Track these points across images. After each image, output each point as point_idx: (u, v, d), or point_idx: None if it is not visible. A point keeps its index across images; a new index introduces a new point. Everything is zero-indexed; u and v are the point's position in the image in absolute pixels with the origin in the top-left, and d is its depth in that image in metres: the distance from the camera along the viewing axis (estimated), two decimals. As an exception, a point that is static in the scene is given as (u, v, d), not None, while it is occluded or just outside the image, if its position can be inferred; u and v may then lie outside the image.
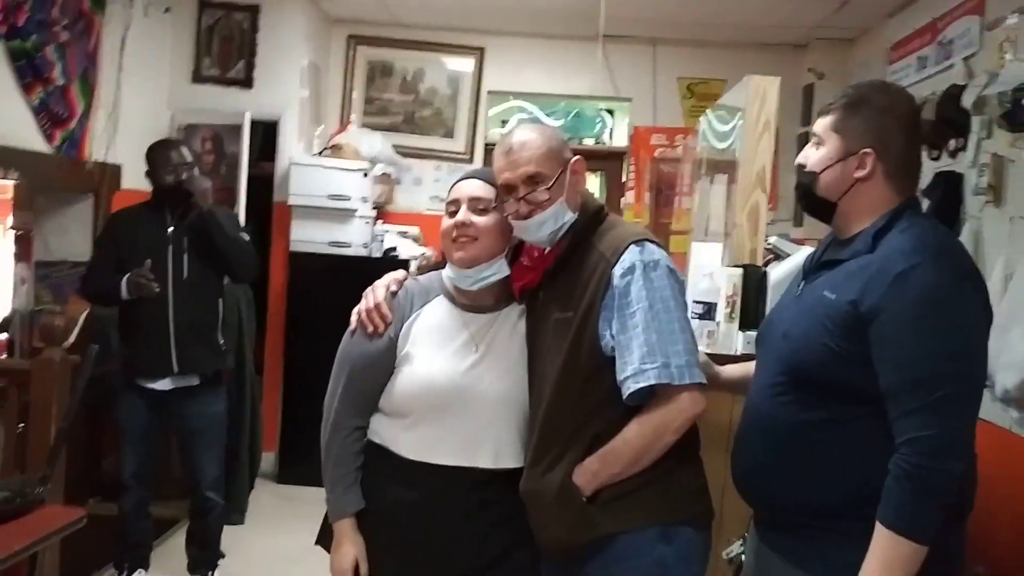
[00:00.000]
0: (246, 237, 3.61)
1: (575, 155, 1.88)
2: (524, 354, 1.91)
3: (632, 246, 1.78)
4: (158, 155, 3.50)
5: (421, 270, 5.16)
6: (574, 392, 1.78)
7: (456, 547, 1.87)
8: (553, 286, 1.86)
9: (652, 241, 1.82)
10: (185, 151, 3.55)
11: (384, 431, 1.94)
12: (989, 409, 3.06)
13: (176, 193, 3.45)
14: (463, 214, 1.87)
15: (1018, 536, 2.93)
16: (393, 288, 1.97)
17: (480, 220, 1.87)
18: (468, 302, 1.93)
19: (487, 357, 1.89)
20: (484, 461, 1.87)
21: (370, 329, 1.92)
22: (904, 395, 1.56)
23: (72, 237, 4.34)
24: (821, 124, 1.78)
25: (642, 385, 1.70)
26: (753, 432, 1.80)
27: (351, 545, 1.90)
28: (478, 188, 1.90)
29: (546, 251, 1.88)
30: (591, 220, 1.87)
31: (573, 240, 1.85)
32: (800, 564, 1.73)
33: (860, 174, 1.72)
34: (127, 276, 3.34)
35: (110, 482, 3.86)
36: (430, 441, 1.87)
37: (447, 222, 1.90)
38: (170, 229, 3.47)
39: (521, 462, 1.87)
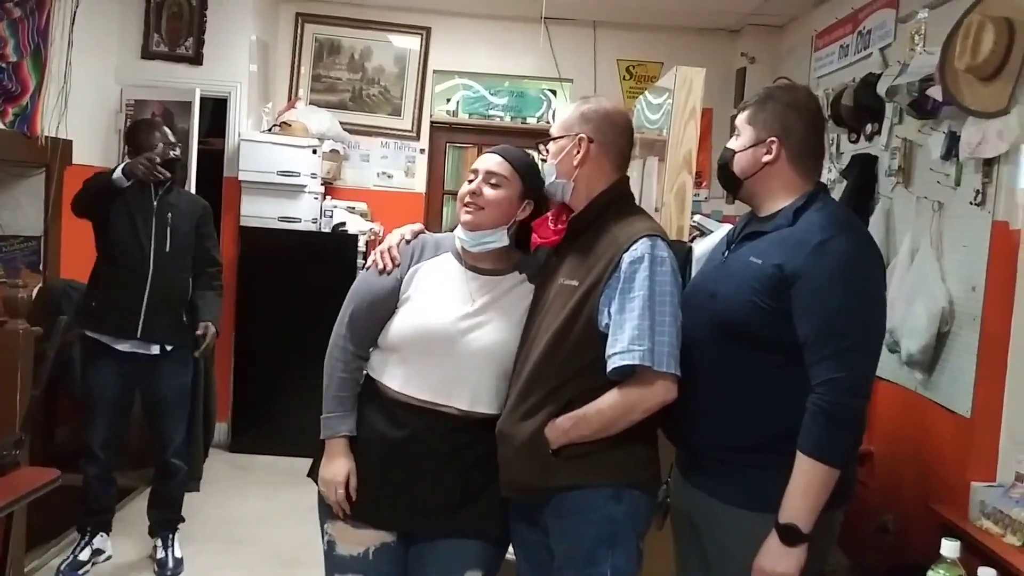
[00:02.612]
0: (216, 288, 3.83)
1: (579, 135, 2.05)
2: (517, 316, 2.10)
3: (645, 239, 1.96)
4: (143, 134, 3.61)
5: (369, 245, 5.31)
6: (563, 354, 1.96)
7: (433, 484, 2.05)
8: (566, 253, 2.06)
9: (664, 239, 2.02)
10: (167, 131, 3.68)
11: (376, 363, 2.13)
12: (896, 372, 3.35)
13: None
14: (476, 184, 2.09)
15: (921, 489, 3.19)
16: (408, 237, 2.19)
17: (489, 193, 2.09)
18: (472, 263, 2.14)
19: (481, 312, 2.08)
20: (460, 403, 2.05)
21: (380, 267, 2.13)
22: (820, 344, 1.84)
23: (24, 211, 4.37)
24: (739, 119, 2.08)
25: (627, 363, 1.88)
26: (682, 381, 2.01)
27: (345, 459, 2.09)
28: (495, 164, 2.11)
29: (566, 218, 2.08)
30: (611, 202, 2.07)
31: (588, 214, 2.06)
32: (723, 498, 1.98)
33: (767, 158, 2.01)
34: (127, 162, 3.44)
35: (66, 454, 3.95)
36: (413, 376, 2.06)
37: (464, 187, 2.12)
38: (155, 202, 3.59)
39: (494, 410, 2.07)
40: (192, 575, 3.72)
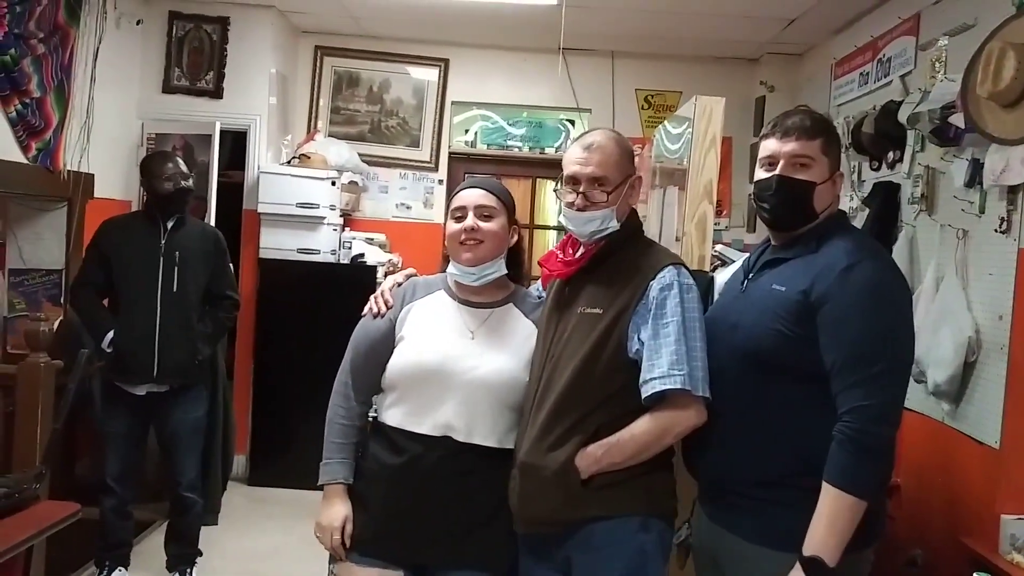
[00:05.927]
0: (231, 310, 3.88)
1: (636, 175, 2.08)
2: (514, 346, 2.10)
3: (671, 266, 1.99)
4: (155, 165, 3.64)
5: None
6: (592, 381, 1.95)
7: (436, 510, 2.03)
8: (585, 283, 2.05)
9: (686, 267, 2.04)
10: (181, 162, 3.71)
11: (379, 404, 2.14)
12: (923, 403, 3.29)
13: (172, 201, 3.59)
14: (471, 220, 2.10)
15: (950, 522, 3.12)
16: (400, 280, 2.23)
17: (486, 225, 2.10)
18: (466, 297, 2.15)
19: (478, 345, 2.08)
20: (457, 435, 2.04)
21: (375, 311, 2.16)
22: (848, 370, 1.80)
23: (46, 245, 4.40)
24: (810, 146, 1.96)
25: (668, 387, 1.88)
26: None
27: (342, 505, 2.09)
28: (482, 197, 2.13)
29: (578, 253, 2.07)
30: (631, 233, 2.08)
31: (611, 246, 2.05)
32: (746, 535, 1.93)
33: (838, 191, 2.00)
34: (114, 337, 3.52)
35: (85, 486, 3.95)
36: (411, 411, 2.06)
37: (454, 226, 2.12)
38: (162, 242, 3.60)
39: (492, 442, 2.05)
40: (210, 610, 3.70)
